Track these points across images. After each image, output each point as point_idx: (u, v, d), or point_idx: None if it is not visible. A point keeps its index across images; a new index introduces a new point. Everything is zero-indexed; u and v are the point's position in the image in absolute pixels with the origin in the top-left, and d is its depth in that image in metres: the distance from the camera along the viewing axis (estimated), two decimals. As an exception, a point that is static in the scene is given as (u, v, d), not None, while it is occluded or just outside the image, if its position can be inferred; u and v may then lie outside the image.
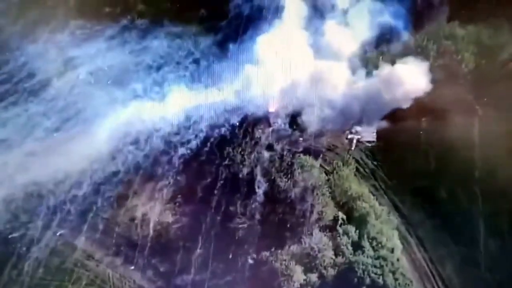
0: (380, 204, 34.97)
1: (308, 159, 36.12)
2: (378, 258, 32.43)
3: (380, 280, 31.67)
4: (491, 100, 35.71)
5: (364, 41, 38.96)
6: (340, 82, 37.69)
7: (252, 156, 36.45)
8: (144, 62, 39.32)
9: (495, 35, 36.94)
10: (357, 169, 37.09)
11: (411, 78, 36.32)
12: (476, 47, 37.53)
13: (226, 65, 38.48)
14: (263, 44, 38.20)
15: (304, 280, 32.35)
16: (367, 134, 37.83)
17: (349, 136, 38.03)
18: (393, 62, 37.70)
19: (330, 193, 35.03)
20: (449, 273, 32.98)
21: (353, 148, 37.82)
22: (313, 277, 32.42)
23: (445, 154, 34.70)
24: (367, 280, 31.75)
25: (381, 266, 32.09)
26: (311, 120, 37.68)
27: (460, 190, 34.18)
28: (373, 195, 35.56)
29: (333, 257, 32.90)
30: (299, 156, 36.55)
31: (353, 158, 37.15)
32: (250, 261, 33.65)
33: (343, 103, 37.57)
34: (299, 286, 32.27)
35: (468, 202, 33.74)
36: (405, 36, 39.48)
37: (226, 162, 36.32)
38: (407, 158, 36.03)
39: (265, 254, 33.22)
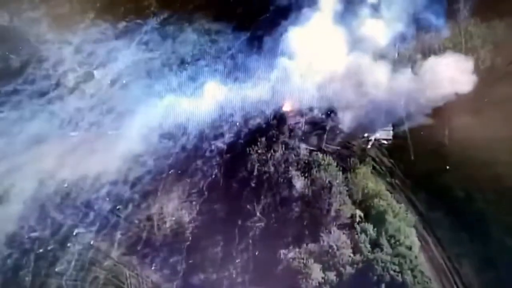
0: (397, 202, 34.96)
1: (325, 157, 36.05)
2: (397, 255, 32.26)
3: (399, 278, 31.31)
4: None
5: (400, 35, 37.49)
6: (377, 77, 36.10)
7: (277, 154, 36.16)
8: (180, 56, 39.01)
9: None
10: (373, 167, 36.95)
11: (455, 73, 35.05)
12: (491, 44, 37.31)
13: (261, 59, 37.85)
14: (298, 38, 37.08)
15: (323, 278, 32.13)
16: (384, 132, 37.46)
17: (366, 134, 37.72)
18: (432, 57, 36.87)
19: (347, 191, 35.00)
20: (466, 271, 32.93)
21: (369, 147, 37.54)
22: (331, 275, 32.27)
23: (462, 153, 34.40)
24: (387, 278, 31.39)
25: (400, 264, 31.81)
26: (345, 117, 36.99)
27: (476, 189, 34.22)
28: (390, 193, 35.53)
29: (351, 255, 32.90)
30: (316, 154, 36.46)
31: (370, 156, 37.13)
32: (268, 259, 33.30)
33: (381, 99, 36.09)
34: (317, 284, 32.02)
35: (484, 201, 33.82)
36: (441, 30, 37.92)
37: (252, 159, 36.03)
38: (424, 156, 35.98)
39: (283, 252, 32.98)
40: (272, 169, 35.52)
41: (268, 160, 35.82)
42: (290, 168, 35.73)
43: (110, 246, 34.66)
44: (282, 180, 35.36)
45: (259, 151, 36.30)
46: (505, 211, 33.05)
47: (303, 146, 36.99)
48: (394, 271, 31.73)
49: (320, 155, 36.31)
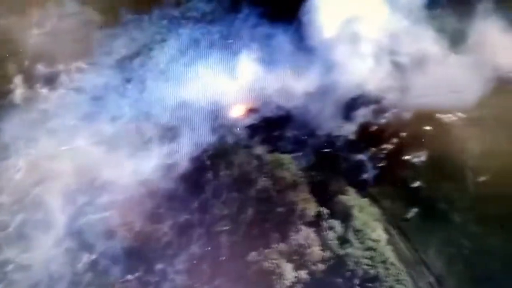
0: (362, 196, 34.83)
1: (285, 157, 35.54)
2: (367, 249, 32.26)
3: (372, 271, 31.45)
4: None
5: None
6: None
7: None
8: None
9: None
10: (336, 163, 36.92)
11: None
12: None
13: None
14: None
15: (295, 277, 31.49)
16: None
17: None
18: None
19: (309, 189, 34.50)
20: (433, 261, 33.00)
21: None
22: (304, 274, 31.66)
23: (423, 144, 35.04)
24: (359, 272, 31.44)
25: (371, 257, 31.94)
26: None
27: (438, 179, 34.60)
28: (354, 188, 35.29)
29: (321, 252, 32.41)
30: (277, 154, 35.64)
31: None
32: (238, 263, 32.01)
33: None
34: (291, 284, 31.39)
35: (447, 190, 34.17)
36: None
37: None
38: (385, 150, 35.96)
39: (253, 254, 32.00)
40: (235, 171, 34.62)
41: (230, 163, 34.90)
42: (253, 169, 34.91)
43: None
44: (245, 182, 34.43)
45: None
46: (469, 199, 33.56)
47: (263, 146, 35.98)
48: (366, 265, 31.80)
49: (281, 156, 35.59)
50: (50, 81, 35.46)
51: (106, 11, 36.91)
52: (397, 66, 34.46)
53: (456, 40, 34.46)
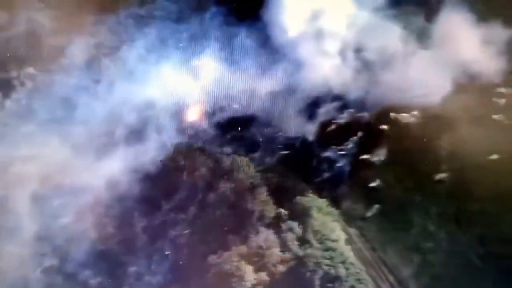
0: (320, 197, 34.89)
1: (243, 159, 35.46)
2: (326, 250, 32.43)
3: (333, 271, 31.57)
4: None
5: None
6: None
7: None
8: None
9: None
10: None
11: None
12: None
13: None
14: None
15: (255, 279, 31.38)
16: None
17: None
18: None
19: (268, 191, 34.46)
20: (391, 259, 33.28)
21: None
22: (264, 275, 31.59)
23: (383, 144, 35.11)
24: (320, 273, 31.51)
25: (331, 258, 32.13)
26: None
27: (397, 179, 34.73)
28: (312, 189, 35.38)
29: (281, 253, 32.39)
30: (235, 157, 35.45)
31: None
32: (198, 266, 31.73)
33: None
34: (251, 285, 31.25)
35: (405, 189, 34.28)
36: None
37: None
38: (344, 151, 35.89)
39: (213, 257, 31.75)
40: (194, 174, 34.27)
41: (190, 165, 34.61)
42: (210, 172, 34.64)
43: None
44: (202, 185, 34.13)
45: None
46: (426, 197, 33.82)
47: (222, 148, 35.84)
48: (326, 265, 31.90)
49: (238, 158, 35.45)
50: (8, 85, 34.76)
51: (72, 14, 36.28)
52: (361, 64, 34.51)
53: (421, 37, 34.46)
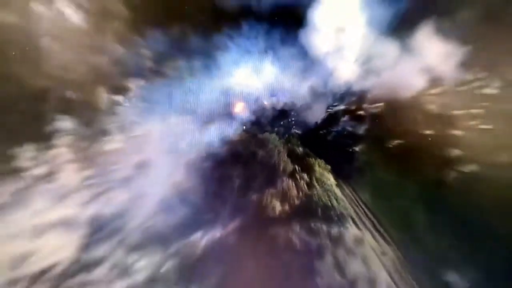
0: (320, 158, 48.57)
1: (272, 135, 49.37)
2: (325, 191, 47.68)
3: (329, 203, 46.98)
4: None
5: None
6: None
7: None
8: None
9: None
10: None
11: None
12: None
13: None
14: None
15: (280, 209, 45.58)
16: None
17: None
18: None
19: (287, 155, 49.32)
20: (367, 198, 44.44)
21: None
22: (286, 206, 46.29)
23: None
24: (321, 204, 46.66)
25: (328, 196, 47.44)
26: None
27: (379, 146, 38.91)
28: (315, 153, 49.08)
29: (297, 193, 47.88)
30: (266, 134, 48.88)
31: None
32: (245, 202, 44.01)
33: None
34: (279, 211, 45.10)
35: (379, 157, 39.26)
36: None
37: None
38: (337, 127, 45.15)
39: (256, 195, 45.08)
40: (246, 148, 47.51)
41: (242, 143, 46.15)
42: (253, 145, 47.74)
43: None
44: (249, 152, 47.44)
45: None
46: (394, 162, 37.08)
47: (258, 131, 47.45)
48: (325, 199, 47.53)
49: (268, 134, 49.22)
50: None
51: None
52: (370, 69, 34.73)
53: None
